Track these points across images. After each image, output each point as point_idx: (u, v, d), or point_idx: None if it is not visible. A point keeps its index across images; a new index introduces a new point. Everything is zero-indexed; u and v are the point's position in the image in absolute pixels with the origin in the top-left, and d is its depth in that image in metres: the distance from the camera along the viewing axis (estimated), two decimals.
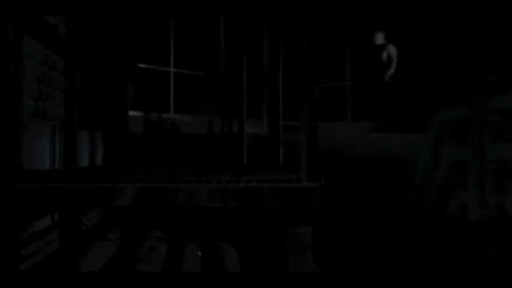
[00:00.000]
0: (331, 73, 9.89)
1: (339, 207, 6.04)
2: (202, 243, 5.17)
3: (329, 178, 3.74)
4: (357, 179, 6.56)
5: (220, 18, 7.89)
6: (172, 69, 8.39)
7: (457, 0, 8.45)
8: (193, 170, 4.41)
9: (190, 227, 5.56)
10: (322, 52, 8.32)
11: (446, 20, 8.65)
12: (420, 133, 6.64)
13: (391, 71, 8.77)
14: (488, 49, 7.94)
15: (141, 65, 7.93)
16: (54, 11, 4.35)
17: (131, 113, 6.68)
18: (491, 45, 7.94)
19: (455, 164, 5.84)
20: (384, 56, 8.83)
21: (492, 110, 5.21)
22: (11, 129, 3.18)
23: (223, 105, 7.61)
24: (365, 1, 9.20)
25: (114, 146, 5.71)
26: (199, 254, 4.89)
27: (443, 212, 5.84)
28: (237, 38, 7.24)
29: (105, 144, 6.01)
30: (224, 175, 3.59)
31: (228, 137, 6.82)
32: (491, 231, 4.95)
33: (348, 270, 4.41)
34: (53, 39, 5.02)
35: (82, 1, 4.39)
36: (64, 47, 4.74)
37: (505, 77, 5.50)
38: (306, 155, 3.57)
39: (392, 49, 8.85)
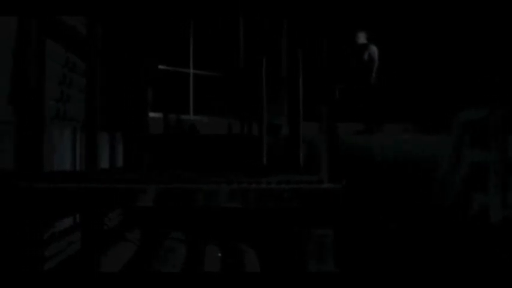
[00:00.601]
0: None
1: (361, 208, 6.01)
2: (222, 245, 5.17)
3: (350, 179, 3.72)
4: (378, 180, 6.53)
5: (240, 20, 7.89)
6: (191, 71, 8.40)
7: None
8: (213, 171, 4.41)
9: (210, 228, 5.56)
10: (342, 53, 8.27)
11: (468, 19, 8.58)
12: (441, 134, 6.59)
13: (374, 72, 8.55)
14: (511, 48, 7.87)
15: (161, 67, 7.95)
16: (76, 11, 4.38)
17: (151, 114, 6.71)
18: None
19: (477, 164, 5.79)
20: (365, 56, 8.58)
21: None
22: (34, 131, 3.21)
23: (242, 106, 7.62)
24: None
25: (134, 147, 5.74)
26: (219, 255, 4.89)
27: (463, 213, 5.79)
28: (256, 39, 7.25)
29: (125, 145, 6.04)
30: (245, 176, 3.58)
31: (248, 138, 6.82)
32: None
33: (369, 271, 4.38)
34: (73, 41, 5.05)
35: (102, 3, 4.41)
36: (84, 49, 4.77)
37: None
38: (327, 156, 3.55)
39: (373, 49, 8.60)
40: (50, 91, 4.54)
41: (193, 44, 8.50)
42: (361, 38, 8.71)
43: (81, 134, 5.29)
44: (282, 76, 7.35)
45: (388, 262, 4.74)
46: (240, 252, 4.91)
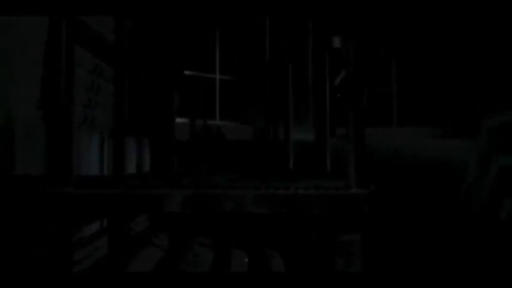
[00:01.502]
0: (375, 77, 9.79)
1: (388, 213, 5.96)
2: (248, 250, 5.16)
3: (377, 184, 3.69)
4: (404, 184, 6.48)
5: (266, 25, 7.90)
6: (218, 76, 8.43)
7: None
8: (241, 176, 4.42)
9: (237, 233, 5.56)
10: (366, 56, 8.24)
11: (498, 21, 8.49)
12: (468, 138, 6.52)
13: (342, 75, 8.37)
14: None
15: (187, 72, 7.99)
16: (103, 12, 4.42)
17: (177, 119, 6.74)
18: None
19: (506, 169, 5.71)
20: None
21: None
22: (64, 136, 3.24)
23: (269, 111, 7.61)
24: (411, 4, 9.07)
25: (161, 152, 5.77)
26: (246, 260, 4.89)
27: (492, 218, 5.72)
28: (282, 44, 7.24)
29: (152, 150, 6.07)
30: (272, 181, 3.58)
31: (274, 144, 6.81)
32: None
33: (396, 275, 4.35)
34: (101, 47, 5.10)
35: (129, 5, 4.45)
36: (112, 55, 4.81)
37: None
38: (354, 161, 3.54)
39: (343, 53, 8.42)
40: (78, 97, 4.59)
41: (219, 49, 8.53)
42: (336, 42, 8.62)
43: (108, 139, 5.33)
44: (308, 80, 7.35)
45: (415, 267, 4.69)
46: (266, 258, 4.90)
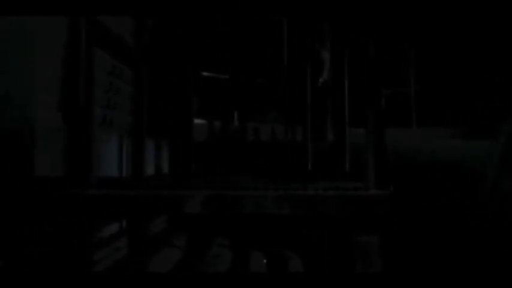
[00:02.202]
0: (394, 78, 9.74)
1: (407, 214, 5.93)
2: (267, 251, 5.16)
3: (396, 185, 3.67)
4: (424, 185, 6.44)
5: (284, 25, 7.89)
6: (235, 77, 8.43)
7: None
8: (259, 177, 4.41)
9: (256, 234, 5.56)
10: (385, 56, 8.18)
11: None
12: (490, 139, 6.47)
13: (323, 77, 8.28)
14: None
15: (205, 73, 8.00)
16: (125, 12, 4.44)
17: (195, 120, 6.75)
18: None
19: None
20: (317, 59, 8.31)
21: None
22: (83, 138, 3.26)
23: (286, 112, 7.60)
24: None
25: (180, 153, 5.78)
26: (264, 261, 4.89)
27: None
28: (300, 43, 7.22)
29: (171, 151, 6.08)
30: (291, 182, 3.57)
31: (292, 144, 6.80)
32: None
33: (416, 276, 4.32)
34: (120, 49, 5.12)
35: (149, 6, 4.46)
36: (131, 57, 4.83)
37: None
38: (374, 162, 3.52)
39: (324, 54, 8.35)
40: (96, 98, 4.61)
41: (236, 50, 8.53)
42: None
43: (127, 141, 5.36)
44: (326, 80, 7.32)
45: (435, 268, 4.66)
46: (285, 259, 4.89)
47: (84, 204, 3.19)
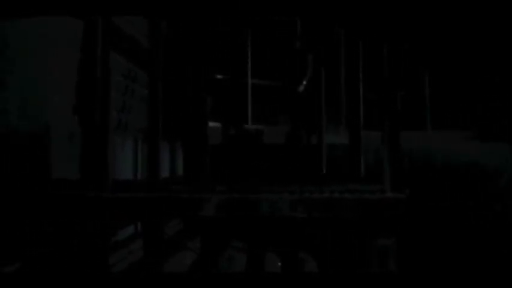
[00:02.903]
0: (408, 81, 9.70)
1: (423, 216, 5.90)
2: (282, 254, 5.15)
3: (412, 187, 3.66)
4: (438, 188, 6.41)
5: (298, 26, 7.89)
6: (249, 80, 8.42)
7: None
8: (274, 179, 4.41)
9: (271, 237, 5.55)
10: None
11: None
12: (504, 142, 6.43)
13: (305, 80, 8.20)
14: None
15: (219, 76, 8.00)
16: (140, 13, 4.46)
17: (210, 123, 6.75)
18: None
19: None
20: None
21: None
22: (99, 140, 3.27)
23: (301, 115, 7.59)
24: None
25: (195, 156, 5.77)
26: (279, 264, 4.88)
27: None
28: (314, 45, 7.21)
29: (186, 154, 6.08)
30: (306, 185, 3.57)
31: (307, 147, 6.78)
32: None
33: (432, 279, 4.30)
34: (135, 52, 5.14)
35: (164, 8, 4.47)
36: (146, 60, 4.85)
37: None
38: (389, 165, 3.51)
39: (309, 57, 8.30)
40: (112, 101, 4.63)
41: (251, 52, 8.53)
42: (297, 43, 8.47)
43: (142, 143, 5.37)
44: (340, 83, 7.30)
45: (451, 270, 4.64)
46: (300, 261, 4.88)
47: (100, 206, 3.21)
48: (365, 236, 3.50)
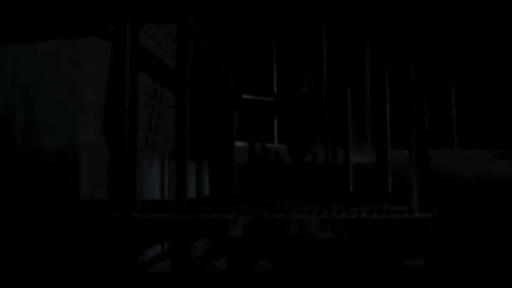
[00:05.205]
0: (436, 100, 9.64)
1: (452, 238, 5.84)
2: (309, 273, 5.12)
3: (440, 206, 3.62)
4: (468, 207, 6.33)
5: (323, 48, 7.91)
6: (275, 99, 8.44)
7: None
8: (301, 199, 4.39)
9: (299, 257, 5.52)
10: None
11: None
12: None
13: (303, 88, 8.12)
14: None
15: (245, 96, 8.04)
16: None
17: (236, 143, 6.78)
18: None
19: None
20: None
21: None
22: (128, 162, 3.29)
23: (327, 133, 7.58)
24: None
25: (221, 176, 5.80)
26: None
27: None
28: (339, 65, 7.22)
29: (212, 174, 6.11)
30: (333, 205, 3.55)
31: (333, 166, 6.77)
32: None
33: None
34: (161, 72, 5.19)
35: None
36: (173, 81, 4.89)
37: None
38: (417, 185, 3.47)
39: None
40: (139, 122, 4.67)
41: (276, 72, 8.56)
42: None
43: (169, 163, 5.40)
44: (366, 100, 7.30)
45: None
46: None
47: (129, 227, 3.22)
48: (393, 257, 3.46)
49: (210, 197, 6.04)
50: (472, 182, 6.61)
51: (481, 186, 6.56)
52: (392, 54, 4.78)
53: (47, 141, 4.10)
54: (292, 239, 3.83)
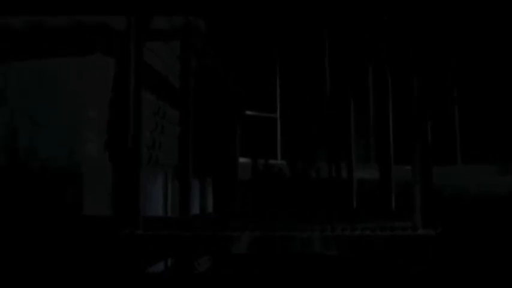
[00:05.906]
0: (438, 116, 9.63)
1: (455, 252, 5.81)
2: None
3: (443, 223, 3.61)
4: (473, 221, 6.31)
5: (326, 67, 7.93)
6: (278, 115, 8.44)
7: None
8: (304, 215, 4.39)
9: (302, 274, 5.50)
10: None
11: None
12: None
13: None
14: None
15: (248, 112, 8.04)
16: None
17: (239, 159, 6.78)
18: None
19: None
20: None
21: None
22: (132, 178, 3.30)
23: (330, 149, 7.58)
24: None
25: (225, 192, 5.79)
26: None
27: None
28: (342, 82, 7.24)
29: (216, 190, 6.10)
30: (336, 222, 3.55)
31: (337, 182, 6.76)
32: None
33: None
34: (165, 90, 5.20)
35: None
36: (176, 98, 4.90)
37: None
38: (421, 201, 3.47)
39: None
40: (143, 138, 4.67)
41: (279, 89, 8.56)
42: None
43: (172, 180, 5.40)
44: (369, 117, 7.29)
45: None
46: None
47: (133, 244, 3.22)
48: (398, 274, 3.45)
49: (213, 213, 6.03)
50: (476, 198, 6.60)
51: (485, 202, 6.55)
52: (395, 71, 4.80)
53: (51, 157, 4.11)
54: (296, 255, 3.83)
